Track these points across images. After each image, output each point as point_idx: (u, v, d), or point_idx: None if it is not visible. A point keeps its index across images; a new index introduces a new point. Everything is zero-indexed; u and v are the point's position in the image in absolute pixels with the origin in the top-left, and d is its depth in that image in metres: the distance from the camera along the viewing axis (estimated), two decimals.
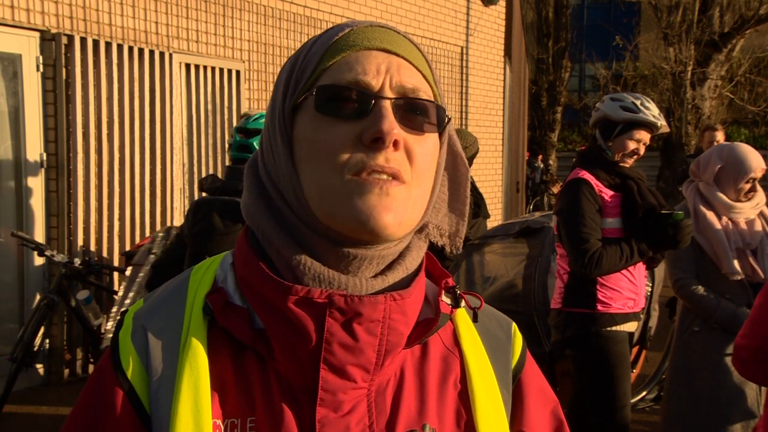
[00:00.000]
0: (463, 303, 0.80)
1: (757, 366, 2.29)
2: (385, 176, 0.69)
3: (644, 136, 2.99)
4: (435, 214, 0.81)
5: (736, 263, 2.98)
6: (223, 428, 0.71)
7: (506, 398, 0.81)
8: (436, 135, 0.76)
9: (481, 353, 0.81)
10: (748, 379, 2.38)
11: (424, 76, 0.75)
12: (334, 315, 0.70)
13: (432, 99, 0.75)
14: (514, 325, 0.88)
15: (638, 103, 2.97)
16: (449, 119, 0.77)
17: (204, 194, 2.95)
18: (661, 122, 2.97)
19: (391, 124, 0.69)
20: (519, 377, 0.84)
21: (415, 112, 0.72)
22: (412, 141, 0.72)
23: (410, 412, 0.75)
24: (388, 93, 0.71)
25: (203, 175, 5.93)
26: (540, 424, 0.83)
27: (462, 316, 0.83)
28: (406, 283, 0.75)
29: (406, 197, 0.71)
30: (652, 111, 2.97)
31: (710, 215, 3.08)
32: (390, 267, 0.75)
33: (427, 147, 0.73)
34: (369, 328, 0.71)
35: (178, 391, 0.69)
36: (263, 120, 2.98)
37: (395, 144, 0.70)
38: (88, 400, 0.75)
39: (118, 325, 0.77)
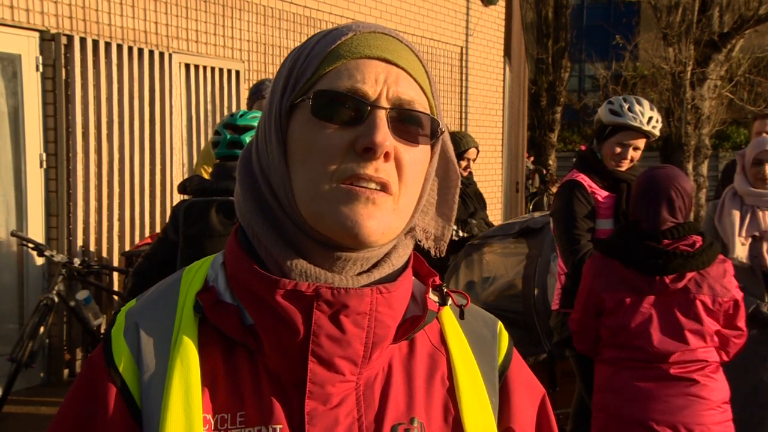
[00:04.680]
0: (450, 301, 0.81)
1: (581, 336, 2.60)
2: (373, 185, 0.71)
3: (633, 140, 2.92)
4: (422, 217, 0.83)
5: (744, 249, 2.99)
6: (213, 423, 0.72)
7: (492, 396, 0.82)
8: (428, 145, 0.77)
9: (467, 352, 0.83)
10: (579, 351, 2.66)
11: (421, 88, 0.76)
12: (321, 307, 0.71)
13: (427, 110, 0.75)
14: (500, 323, 0.89)
15: (626, 106, 2.90)
16: (443, 131, 0.78)
17: (186, 197, 2.81)
18: (647, 127, 2.89)
19: (384, 135, 0.70)
20: (506, 375, 0.85)
21: (409, 124, 0.73)
22: (402, 151, 0.73)
23: (398, 405, 0.76)
24: (384, 103, 0.72)
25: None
26: (527, 420, 0.85)
27: (448, 316, 0.84)
28: (392, 278, 0.76)
29: (391, 208, 0.72)
30: (637, 115, 2.87)
31: (731, 203, 3.12)
32: (376, 265, 0.76)
33: (417, 158, 0.74)
34: (356, 321, 0.72)
35: (169, 387, 0.71)
36: (252, 116, 2.93)
37: (386, 155, 0.71)
38: (80, 394, 0.76)
39: (111, 323, 0.78)
